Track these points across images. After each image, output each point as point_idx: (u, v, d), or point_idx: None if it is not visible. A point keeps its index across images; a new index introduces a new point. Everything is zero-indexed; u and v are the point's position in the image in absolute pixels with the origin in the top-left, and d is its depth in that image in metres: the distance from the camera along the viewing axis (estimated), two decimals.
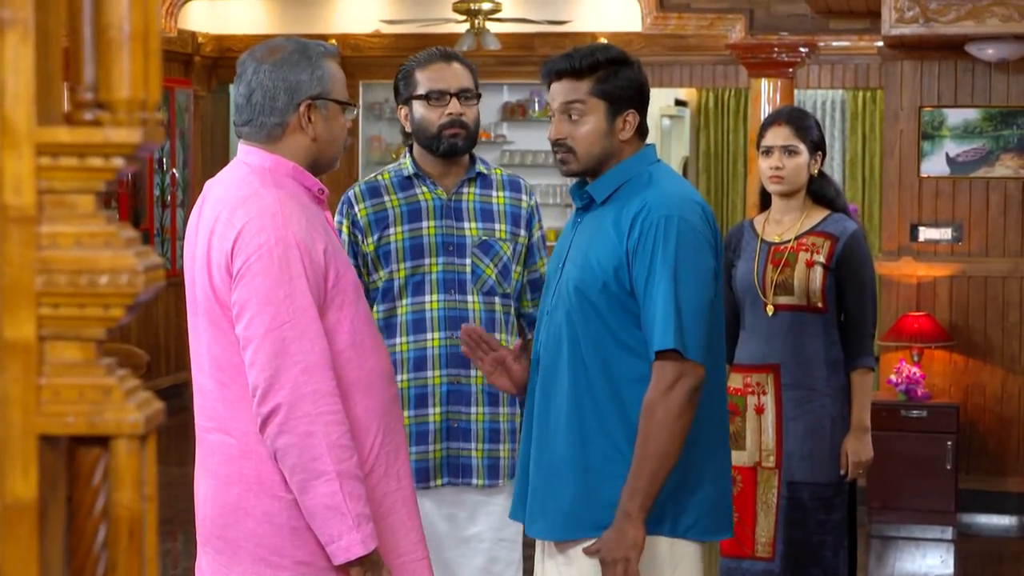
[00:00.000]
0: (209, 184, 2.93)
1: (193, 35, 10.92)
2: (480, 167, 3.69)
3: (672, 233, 2.90)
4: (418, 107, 3.61)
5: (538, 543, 3.14)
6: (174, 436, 7.94)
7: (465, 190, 3.65)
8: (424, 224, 3.60)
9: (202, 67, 11.14)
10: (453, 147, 3.59)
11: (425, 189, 3.63)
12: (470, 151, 3.66)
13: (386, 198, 3.61)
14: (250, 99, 2.88)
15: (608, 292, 2.94)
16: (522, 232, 3.71)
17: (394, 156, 11.58)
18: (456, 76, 3.62)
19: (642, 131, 3.07)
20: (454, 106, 3.58)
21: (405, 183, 3.64)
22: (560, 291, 3.03)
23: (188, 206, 10.75)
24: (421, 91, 3.60)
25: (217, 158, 11.32)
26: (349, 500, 2.70)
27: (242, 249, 2.72)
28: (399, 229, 3.58)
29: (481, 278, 3.61)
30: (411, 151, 3.68)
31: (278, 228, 2.72)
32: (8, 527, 1.25)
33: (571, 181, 3.17)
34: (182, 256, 2.98)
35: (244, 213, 2.75)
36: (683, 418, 2.89)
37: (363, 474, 2.78)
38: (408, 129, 3.66)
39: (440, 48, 3.69)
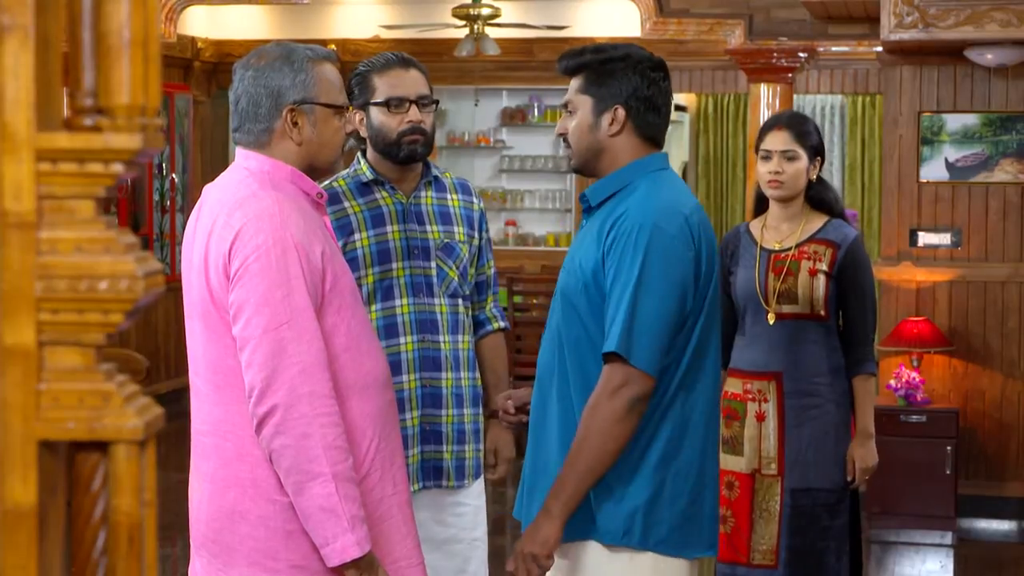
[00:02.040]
0: (207, 188, 2.92)
1: (192, 40, 10.93)
2: (433, 171, 3.70)
3: (643, 241, 2.89)
4: (376, 113, 3.59)
5: None
6: (173, 441, 7.94)
7: (423, 193, 3.66)
8: (388, 228, 3.60)
9: (201, 72, 11.14)
10: (413, 153, 3.59)
11: (385, 194, 3.62)
12: (427, 156, 3.67)
13: (346, 204, 3.60)
14: (237, 106, 2.89)
15: (588, 295, 2.96)
16: (475, 234, 3.73)
17: None
18: (415, 82, 3.60)
19: (644, 134, 3.06)
20: (414, 113, 3.57)
21: (363, 189, 3.62)
22: (555, 296, 3.08)
23: (187, 211, 10.75)
24: (379, 98, 3.58)
25: (216, 163, 11.32)
26: (344, 502, 2.70)
27: (240, 250, 2.71)
28: (364, 235, 3.57)
29: (446, 280, 3.63)
30: (364, 156, 3.67)
31: (276, 229, 2.72)
32: (7, 533, 1.25)
33: (572, 185, 3.20)
34: (181, 260, 2.97)
35: (242, 215, 2.74)
36: (621, 425, 2.87)
37: (358, 477, 2.78)
38: (363, 134, 3.65)
39: (396, 54, 3.66)
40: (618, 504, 2.92)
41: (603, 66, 3.04)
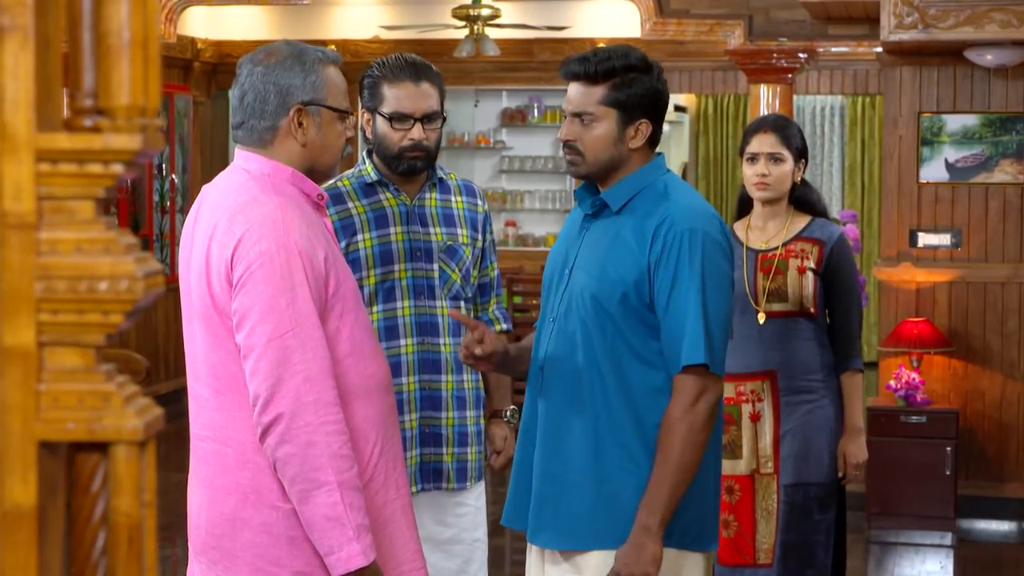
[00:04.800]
0: (206, 189, 2.89)
1: (192, 41, 10.93)
2: (439, 172, 3.69)
3: (697, 246, 2.90)
4: (381, 123, 3.58)
5: (534, 550, 3.12)
6: (173, 442, 7.94)
7: (427, 195, 3.65)
8: (392, 230, 3.59)
9: (201, 73, 11.14)
10: (412, 168, 3.58)
11: (389, 195, 3.61)
12: (428, 169, 3.65)
13: (350, 204, 3.59)
14: (242, 101, 2.85)
15: (627, 303, 2.93)
16: (479, 236, 3.72)
17: None
18: (424, 98, 3.56)
19: (654, 139, 3.05)
20: (417, 131, 3.55)
21: (368, 189, 3.62)
22: (571, 299, 3.01)
23: (187, 212, 10.72)
24: (385, 109, 3.56)
25: (216, 163, 11.32)
26: (349, 511, 2.68)
27: (243, 257, 2.69)
28: (367, 236, 3.57)
29: (448, 282, 3.62)
30: (370, 156, 3.66)
31: (280, 235, 2.69)
32: (7, 534, 1.25)
33: (571, 186, 3.17)
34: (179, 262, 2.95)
35: (244, 220, 2.72)
36: (704, 432, 2.90)
37: (362, 482, 2.76)
38: (369, 136, 3.64)
39: (411, 62, 3.60)
40: None
41: (628, 75, 2.99)
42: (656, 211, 2.95)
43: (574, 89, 3.02)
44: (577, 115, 3.01)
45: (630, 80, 2.99)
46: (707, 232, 2.92)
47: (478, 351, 3.02)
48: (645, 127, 3.00)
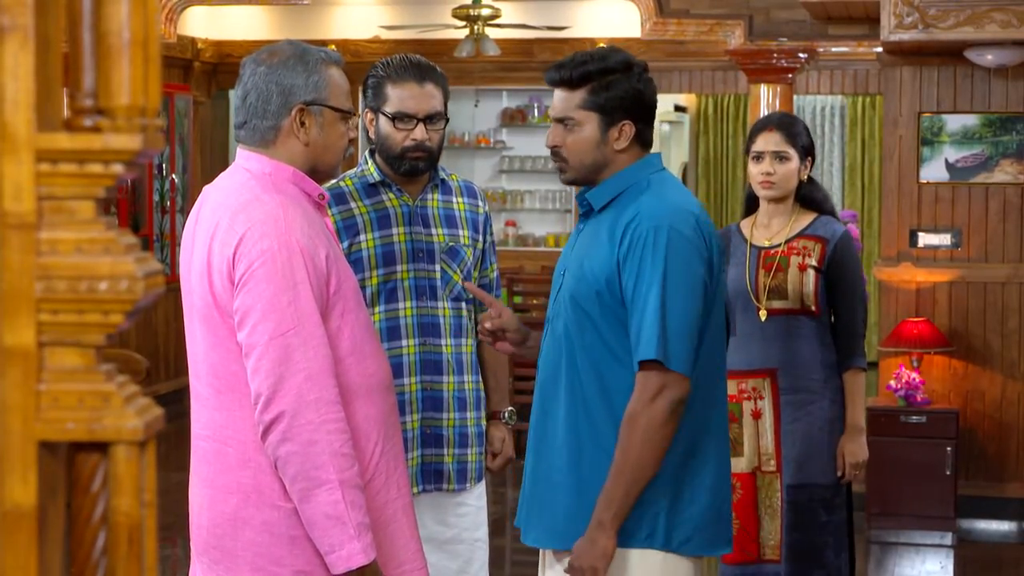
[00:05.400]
0: (207, 189, 2.89)
1: (193, 41, 10.93)
2: (440, 173, 3.70)
3: (661, 243, 2.87)
4: (384, 122, 3.58)
5: (541, 551, 3.14)
6: (173, 442, 7.94)
7: (429, 196, 3.66)
8: (394, 231, 3.59)
9: (201, 73, 11.14)
10: (415, 168, 3.59)
11: (392, 196, 3.62)
12: (430, 171, 3.65)
13: (353, 204, 3.59)
14: (245, 101, 2.85)
15: (602, 302, 2.93)
16: (480, 237, 3.72)
17: None
18: (427, 99, 3.57)
19: (643, 140, 3.04)
20: (420, 132, 3.55)
21: (370, 190, 3.62)
22: (559, 300, 3.03)
23: (188, 212, 10.73)
24: (389, 109, 3.56)
25: (216, 163, 11.32)
26: (350, 509, 2.68)
27: (245, 255, 2.69)
28: (370, 236, 3.57)
29: (450, 284, 3.62)
30: (373, 156, 3.66)
31: (281, 234, 2.70)
32: (7, 534, 1.25)
33: (571, 186, 3.17)
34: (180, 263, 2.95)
35: (246, 219, 2.72)
36: (664, 429, 2.87)
37: (363, 481, 2.77)
38: (372, 136, 3.64)
39: (415, 63, 3.61)
40: (641, 507, 2.91)
41: (606, 78, 2.98)
42: (630, 208, 2.95)
43: (557, 95, 3.03)
44: (560, 120, 3.02)
45: (608, 83, 2.98)
46: (676, 229, 2.89)
47: (488, 324, 3.12)
48: (628, 128, 2.99)
